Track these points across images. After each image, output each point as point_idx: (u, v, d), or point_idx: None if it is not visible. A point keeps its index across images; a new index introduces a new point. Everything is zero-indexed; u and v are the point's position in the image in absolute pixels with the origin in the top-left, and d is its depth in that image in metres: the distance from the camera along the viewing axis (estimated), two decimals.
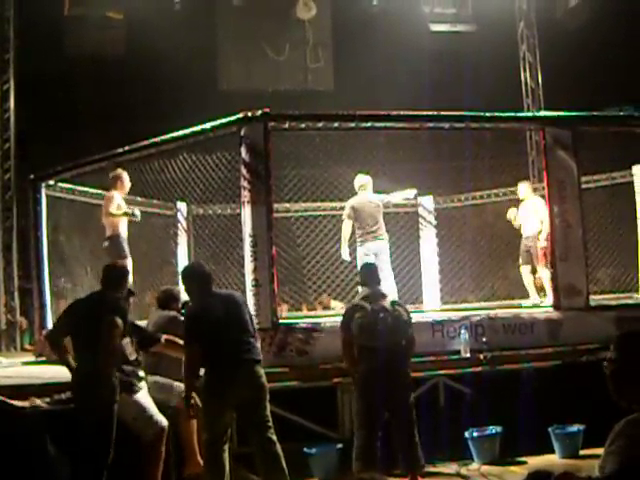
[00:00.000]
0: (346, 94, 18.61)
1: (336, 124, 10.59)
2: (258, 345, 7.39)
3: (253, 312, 8.63)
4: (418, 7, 19.94)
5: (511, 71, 21.05)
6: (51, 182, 12.67)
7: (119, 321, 6.90)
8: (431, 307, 14.08)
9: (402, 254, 13.84)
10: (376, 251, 11.73)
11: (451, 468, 8.66)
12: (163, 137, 10.91)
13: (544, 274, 12.19)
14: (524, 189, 13.31)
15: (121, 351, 7.33)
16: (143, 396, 7.45)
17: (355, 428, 7.96)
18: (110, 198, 11.63)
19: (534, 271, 13.13)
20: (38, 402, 7.74)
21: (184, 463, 7.92)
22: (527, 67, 21.10)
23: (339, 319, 8.29)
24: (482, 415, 8.90)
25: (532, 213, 12.79)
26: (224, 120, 10.11)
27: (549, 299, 11.38)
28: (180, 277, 7.85)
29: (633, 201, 13.29)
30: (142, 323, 8.47)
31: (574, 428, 8.98)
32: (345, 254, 11.97)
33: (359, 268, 9.44)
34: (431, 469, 8.50)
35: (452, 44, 20.25)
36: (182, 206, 14.52)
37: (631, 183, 13.54)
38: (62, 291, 13.01)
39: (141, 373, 7.65)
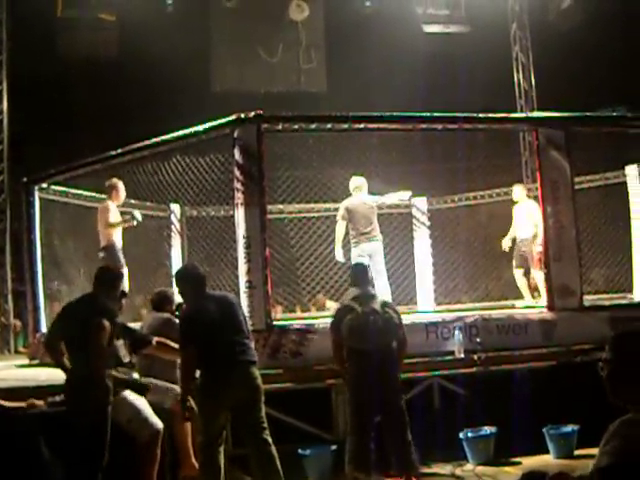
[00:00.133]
0: (339, 95, 18.61)
1: (329, 125, 10.59)
2: (253, 346, 7.39)
3: (247, 314, 8.63)
4: (411, 8, 19.94)
5: (504, 72, 21.09)
6: (44, 185, 12.64)
7: (106, 324, 6.87)
8: (425, 308, 14.06)
9: (396, 255, 13.84)
10: (370, 252, 11.73)
11: (446, 469, 8.66)
12: (156, 139, 10.90)
13: (538, 276, 12.21)
14: (519, 192, 13.35)
15: (115, 353, 7.34)
16: (137, 398, 7.45)
17: (348, 430, 7.96)
18: (106, 209, 11.61)
19: (527, 273, 13.17)
20: (38, 403, 7.72)
21: (179, 465, 7.91)
22: (520, 68, 21.13)
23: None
24: (476, 416, 8.91)
25: (526, 216, 12.83)
26: (217, 122, 10.10)
27: (543, 300, 11.39)
28: (174, 279, 7.83)
29: (626, 201, 13.29)
30: (136, 325, 8.47)
31: (568, 428, 8.98)
32: (339, 255, 11.97)
33: (350, 268, 9.43)
34: (426, 470, 8.51)
35: (445, 45, 20.27)
36: (175, 208, 14.50)
37: (624, 183, 13.54)
38: (55, 294, 13.00)
39: (135, 375, 7.65)
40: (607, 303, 11.85)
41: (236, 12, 19.70)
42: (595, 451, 3.19)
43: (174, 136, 10.66)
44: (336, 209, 12.38)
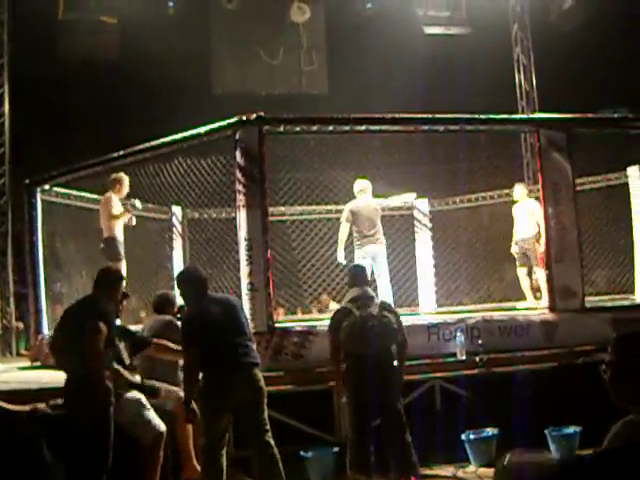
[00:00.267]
0: (340, 97, 18.62)
1: (331, 127, 10.58)
2: (255, 348, 7.39)
3: (249, 316, 8.64)
4: (412, 10, 19.92)
5: (505, 73, 21.08)
6: (46, 187, 12.65)
7: (102, 326, 6.85)
8: (427, 310, 14.07)
9: (397, 257, 13.85)
10: (374, 255, 11.76)
11: (447, 470, 8.65)
12: (158, 141, 10.91)
13: (541, 275, 12.20)
14: (519, 191, 13.36)
15: (118, 355, 7.35)
16: (140, 400, 7.45)
17: (348, 434, 7.96)
18: (108, 200, 11.65)
19: (529, 273, 13.18)
20: (40, 406, 7.72)
21: (181, 468, 7.90)
22: (521, 69, 21.12)
23: None
24: (478, 417, 8.90)
25: (528, 215, 12.83)
26: (219, 124, 10.11)
27: (545, 301, 11.38)
28: (176, 281, 7.83)
29: (628, 202, 13.31)
30: (137, 327, 8.47)
31: (570, 430, 8.96)
32: (341, 257, 11.97)
33: (348, 270, 9.42)
34: (427, 472, 8.50)
35: (446, 47, 20.24)
36: (177, 210, 14.53)
37: (626, 185, 13.57)
38: (58, 296, 13.00)
39: (137, 377, 7.65)
40: (609, 304, 11.83)
41: (237, 14, 19.69)
42: None
43: (176, 138, 10.67)
44: (338, 211, 12.40)
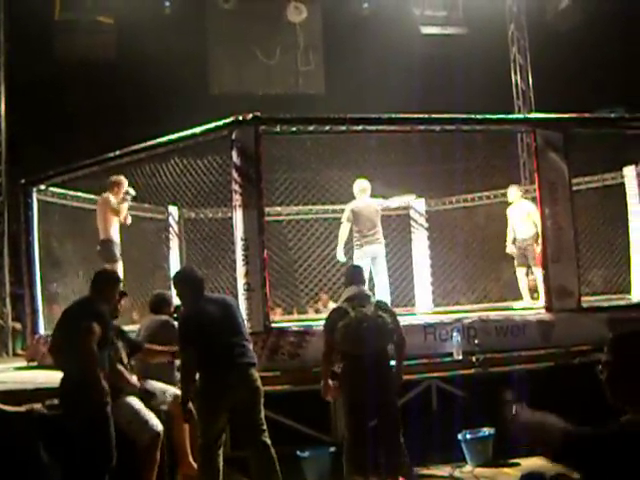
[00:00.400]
0: (337, 97, 18.63)
1: (327, 127, 10.57)
2: (252, 348, 7.39)
3: (245, 316, 8.65)
4: (408, 10, 19.94)
5: (502, 73, 21.12)
6: (42, 187, 12.64)
7: (96, 326, 6.84)
8: (423, 310, 14.07)
9: (394, 257, 13.85)
10: (374, 255, 11.78)
11: (444, 470, 8.66)
12: (154, 141, 10.90)
13: (539, 276, 12.21)
14: (514, 192, 13.40)
15: (118, 355, 7.36)
16: (137, 401, 7.45)
17: (345, 434, 7.94)
18: (106, 200, 11.65)
19: (527, 273, 13.20)
20: (36, 407, 7.72)
21: (177, 464, 7.90)
22: (518, 69, 21.17)
23: None
24: (475, 417, 8.90)
25: (526, 216, 12.86)
26: (215, 124, 10.10)
27: (541, 301, 11.39)
28: (172, 281, 7.82)
29: (624, 202, 13.32)
30: (133, 328, 8.47)
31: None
32: (340, 255, 11.98)
33: (344, 269, 9.41)
34: (424, 471, 8.51)
35: (443, 47, 20.26)
36: (174, 210, 14.53)
37: (622, 184, 13.57)
38: (54, 296, 12.99)
39: (134, 378, 7.64)
40: (605, 304, 11.82)
41: (234, 14, 19.70)
42: None
43: (172, 138, 10.67)
44: (334, 211, 12.41)
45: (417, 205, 14.88)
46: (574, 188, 11.15)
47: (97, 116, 19.86)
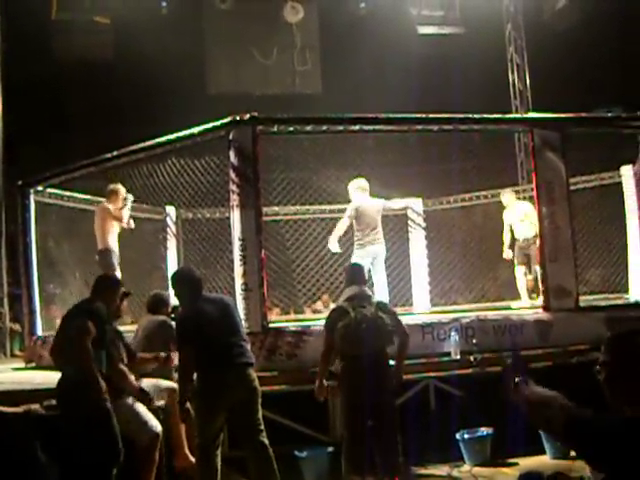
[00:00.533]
0: (334, 97, 18.64)
1: (324, 127, 10.56)
2: (249, 348, 7.38)
3: (243, 316, 8.64)
4: (405, 10, 19.96)
5: (499, 73, 21.15)
6: (40, 188, 12.63)
7: (90, 325, 6.83)
8: (421, 309, 14.06)
9: (392, 256, 13.83)
10: (375, 255, 11.77)
11: (442, 470, 8.66)
12: (152, 142, 10.89)
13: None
14: (508, 197, 13.52)
15: (121, 356, 7.36)
16: (136, 401, 7.44)
17: (343, 434, 7.93)
18: (105, 209, 11.67)
19: (526, 273, 13.22)
20: (34, 407, 7.71)
21: (174, 457, 7.90)
22: (515, 69, 21.20)
23: None
24: (473, 417, 8.91)
25: (523, 217, 12.92)
26: (212, 124, 10.09)
27: (539, 300, 11.40)
28: (170, 281, 7.82)
29: (622, 202, 13.31)
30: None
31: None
32: (334, 245, 11.89)
33: (345, 268, 9.39)
34: (422, 471, 8.53)
35: (440, 46, 20.28)
36: (171, 210, 14.52)
37: (619, 184, 13.57)
38: (51, 297, 12.99)
39: (132, 377, 7.64)
40: (603, 303, 11.83)
41: (230, 14, 19.71)
42: None
43: (169, 138, 10.65)
44: (331, 211, 12.42)
45: (414, 205, 14.87)
46: (571, 187, 11.15)
47: (94, 116, 19.84)
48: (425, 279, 14.79)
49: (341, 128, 10.59)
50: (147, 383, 7.84)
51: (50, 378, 7.79)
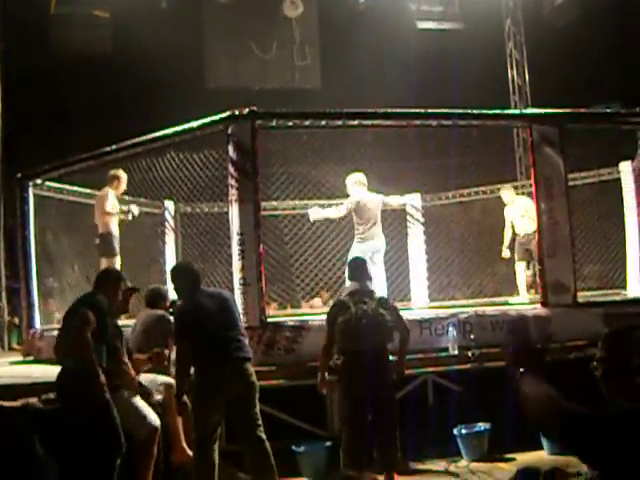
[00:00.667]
0: (333, 92, 18.63)
1: (323, 122, 10.56)
2: (247, 342, 7.39)
3: (241, 310, 8.64)
4: (405, 5, 19.93)
5: (498, 69, 21.12)
6: (38, 181, 12.62)
7: (91, 316, 6.82)
8: (419, 304, 14.06)
9: (390, 251, 13.83)
10: (375, 249, 11.78)
11: (440, 465, 8.66)
12: (150, 135, 10.88)
13: None
14: (507, 194, 13.53)
15: (124, 348, 7.37)
16: (135, 395, 7.43)
17: (343, 429, 7.94)
18: (104, 196, 11.70)
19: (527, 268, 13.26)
20: (32, 401, 7.71)
21: (171, 451, 7.89)
22: (514, 64, 21.16)
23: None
24: (470, 412, 8.91)
25: (524, 212, 12.94)
26: (211, 118, 10.08)
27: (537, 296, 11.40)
28: (169, 275, 7.83)
29: (620, 198, 13.32)
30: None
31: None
32: (314, 215, 11.97)
33: (348, 262, 9.39)
34: (420, 466, 8.53)
35: (439, 42, 20.28)
36: (170, 204, 14.52)
37: (618, 180, 13.58)
38: (50, 290, 12.98)
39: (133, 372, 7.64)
40: (601, 299, 11.83)
41: (230, 8, 19.67)
42: None
43: (168, 132, 10.64)
44: (330, 205, 12.38)
45: (413, 200, 14.87)
46: (570, 183, 11.15)
47: (93, 110, 19.82)
48: (423, 274, 14.81)
49: (340, 123, 10.57)
50: (144, 378, 7.85)
51: (48, 372, 7.80)
